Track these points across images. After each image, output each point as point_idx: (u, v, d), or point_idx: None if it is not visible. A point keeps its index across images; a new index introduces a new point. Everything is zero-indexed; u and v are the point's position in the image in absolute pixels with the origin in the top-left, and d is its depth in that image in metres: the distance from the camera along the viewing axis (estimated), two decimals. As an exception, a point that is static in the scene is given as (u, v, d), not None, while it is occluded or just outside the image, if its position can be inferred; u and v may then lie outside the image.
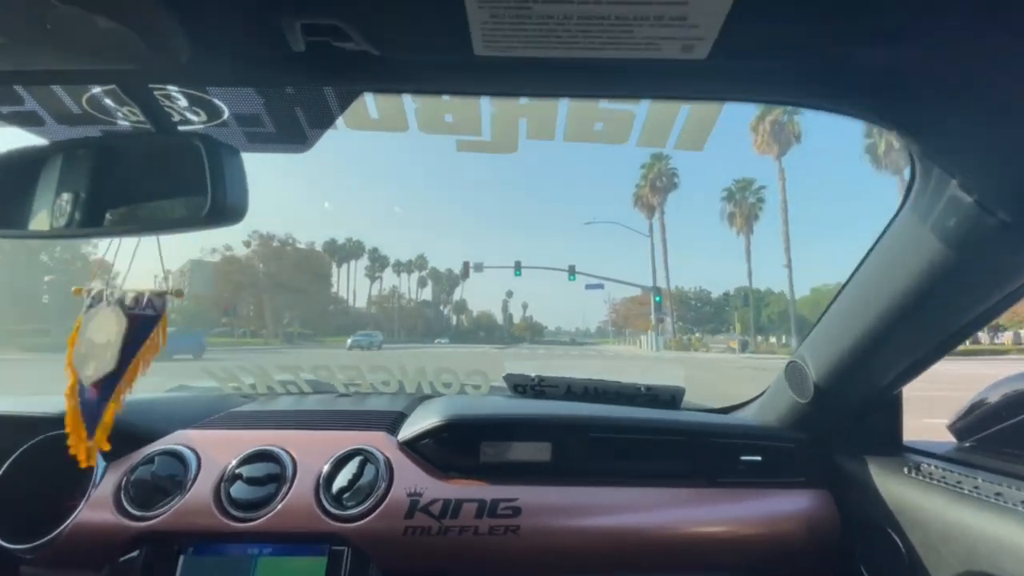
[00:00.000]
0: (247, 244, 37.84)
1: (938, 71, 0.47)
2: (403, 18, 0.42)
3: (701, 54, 0.42)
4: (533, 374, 1.31)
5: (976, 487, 0.77)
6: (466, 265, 29.82)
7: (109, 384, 0.74)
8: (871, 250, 0.80)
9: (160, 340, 0.76)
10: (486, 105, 0.63)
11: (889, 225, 0.75)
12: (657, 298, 32.27)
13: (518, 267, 26.86)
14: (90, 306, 0.76)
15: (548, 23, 0.39)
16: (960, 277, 0.68)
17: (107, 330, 0.74)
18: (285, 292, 38.31)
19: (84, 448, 0.77)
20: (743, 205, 33.63)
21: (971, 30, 0.42)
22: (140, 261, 0.76)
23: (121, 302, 0.75)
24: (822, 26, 0.42)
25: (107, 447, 0.79)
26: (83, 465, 0.78)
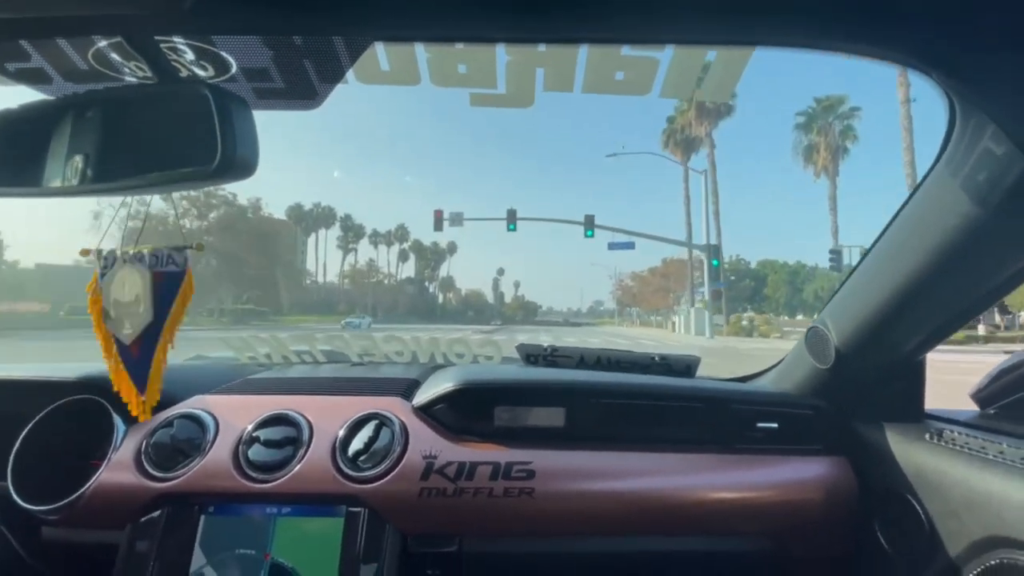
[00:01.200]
0: (188, 210, 32.35)
1: (981, 8, 0.44)
2: None
3: None
4: (546, 344, 1.31)
5: (1001, 452, 0.75)
6: (438, 217, 21.77)
7: (150, 340, 0.76)
8: (900, 209, 0.77)
9: (191, 293, 0.76)
10: (501, 54, 0.60)
11: (921, 183, 0.72)
12: (715, 261, 22.95)
13: (512, 220, 19.75)
14: (104, 268, 0.76)
15: None
16: (994, 233, 0.65)
17: (132, 287, 0.74)
18: (235, 265, 34.71)
19: (137, 403, 0.81)
20: (828, 134, 25.00)
21: None
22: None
23: (139, 259, 0.74)
24: None
25: (156, 399, 0.81)
26: (140, 419, 0.81)
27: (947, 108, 0.61)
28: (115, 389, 0.82)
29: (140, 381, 0.79)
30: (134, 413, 0.83)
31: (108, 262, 0.76)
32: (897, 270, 0.78)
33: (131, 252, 0.75)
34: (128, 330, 0.75)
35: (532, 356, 1.30)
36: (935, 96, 0.59)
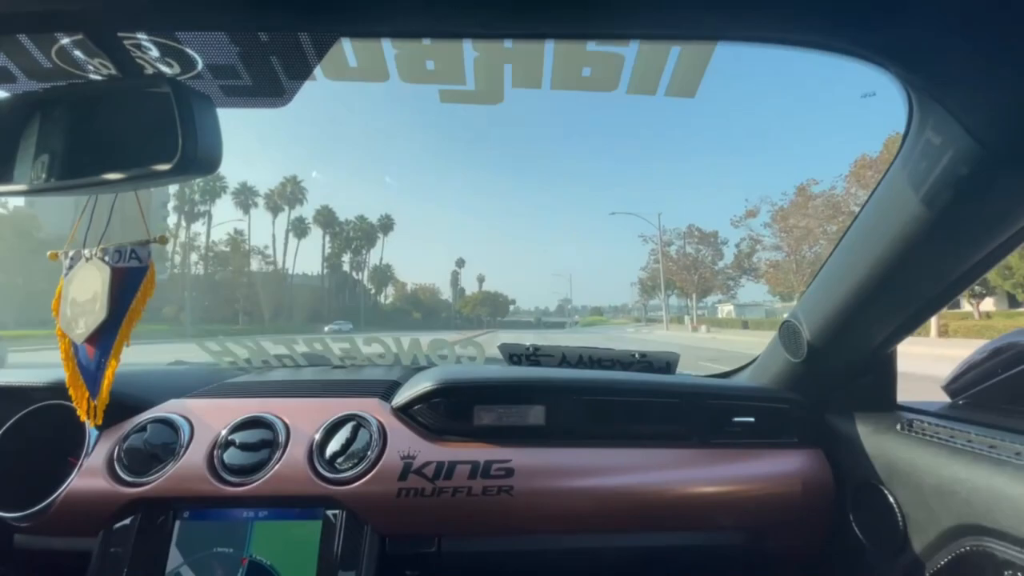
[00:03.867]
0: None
1: (941, 8, 0.45)
2: None
3: None
4: (528, 343, 1.31)
5: (969, 441, 0.77)
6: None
7: (106, 341, 0.74)
8: (865, 204, 0.79)
9: (151, 289, 0.75)
10: (469, 50, 0.61)
11: (884, 176, 0.73)
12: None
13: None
14: (69, 268, 0.75)
15: None
16: (954, 224, 0.67)
17: (90, 285, 0.72)
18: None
19: (88, 406, 0.78)
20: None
21: None
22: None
23: (101, 257, 0.73)
24: None
25: (106, 400, 0.79)
26: (90, 424, 0.78)
27: (905, 102, 0.63)
28: (69, 391, 0.79)
29: (93, 382, 0.76)
30: (83, 418, 0.80)
31: (73, 262, 0.75)
32: (862, 265, 0.80)
33: (95, 250, 0.73)
34: (80, 329, 0.73)
35: (515, 355, 1.30)
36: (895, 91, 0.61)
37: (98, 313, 0.72)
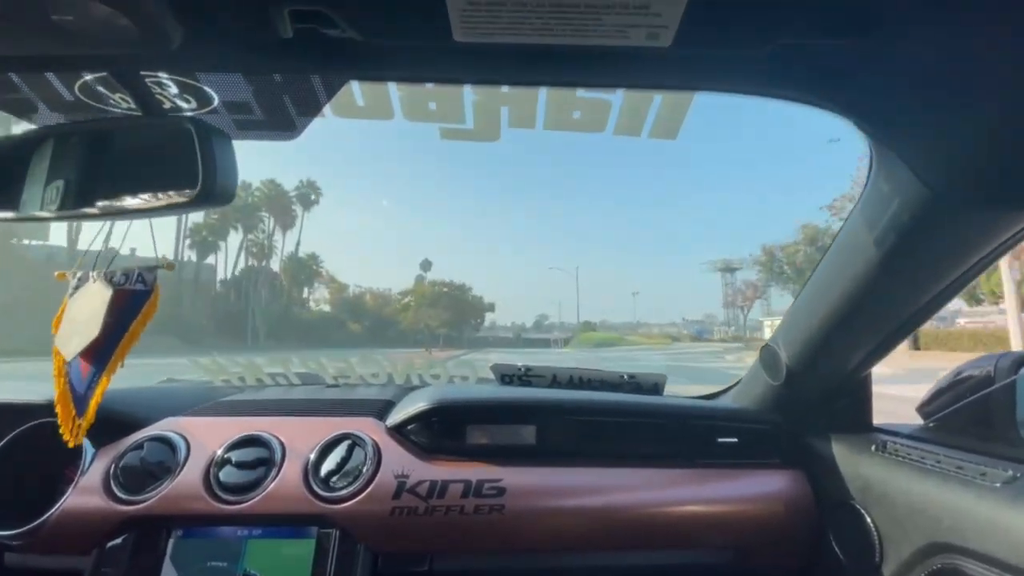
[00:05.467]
0: None
1: (893, 60, 0.51)
2: (386, 4, 0.44)
3: (665, 41, 0.45)
4: (520, 364, 1.35)
5: (939, 462, 0.81)
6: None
7: (100, 361, 0.75)
8: (836, 236, 0.84)
9: (152, 313, 0.77)
10: (468, 93, 0.66)
11: (851, 211, 0.79)
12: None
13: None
14: (76, 288, 0.77)
15: (522, 10, 0.42)
16: (916, 259, 0.72)
17: (91, 306, 0.74)
18: None
19: (72, 425, 0.78)
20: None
21: (923, 21, 0.45)
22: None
23: (108, 279, 0.76)
24: (778, 16, 0.45)
25: (92, 420, 0.79)
26: (70, 444, 0.79)
27: (868, 145, 0.68)
28: (56, 408, 0.79)
29: (81, 401, 0.77)
30: (66, 437, 0.80)
31: (80, 283, 0.77)
32: (834, 296, 0.85)
33: (103, 272, 0.76)
34: (73, 346, 0.74)
35: (507, 376, 1.33)
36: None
37: (91, 332, 0.73)
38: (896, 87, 0.54)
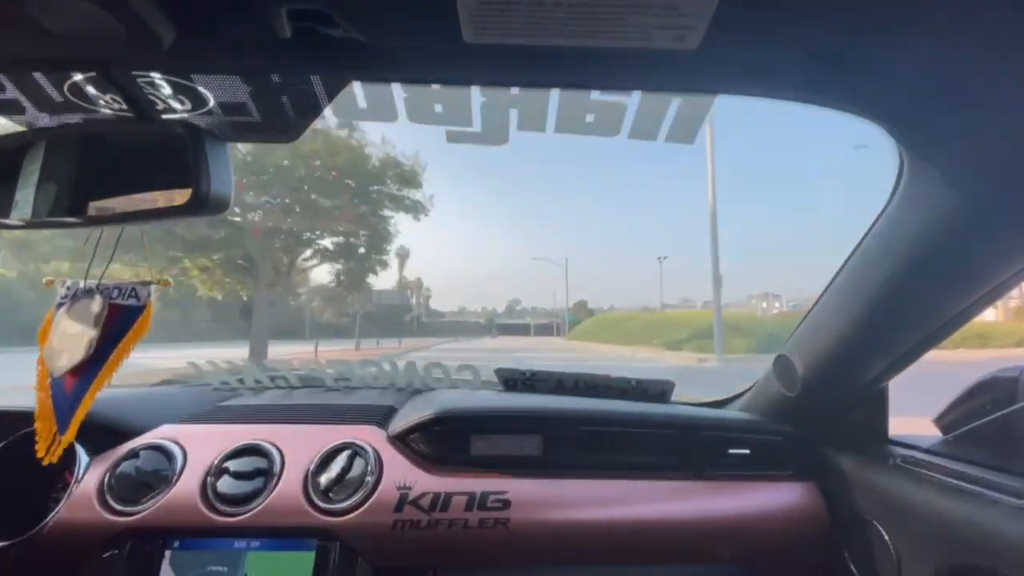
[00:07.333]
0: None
1: (927, 65, 0.48)
2: (390, 4, 0.41)
3: (693, 44, 0.42)
4: (524, 368, 1.32)
5: (962, 479, 0.78)
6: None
7: (88, 376, 0.72)
8: (858, 245, 0.81)
9: (144, 331, 0.74)
10: (476, 95, 0.62)
11: (877, 220, 0.76)
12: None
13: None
14: (64, 298, 0.74)
15: (538, 10, 0.39)
16: (946, 272, 0.69)
17: (84, 320, 0.72)
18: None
19: (51, 441, 0.75)
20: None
21: (958, 24, 0.42)
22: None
23: (101, 292, 0.73)
24: (812, 20, 0.42)
25: (72, 438, 0.76)
26: (44, 461, 0.75)
27: (897, 153, 0.65)
28: (35, 423, 0.76)
29: (64, 417, 0.74)
30: (40, 454, 0.76)
31: (70, 292, 0.74)
32: (855, 303, 0.81)
33: (95, 284, 0.73)
34: (63, 363, 0.71)
35: (511, 380, 1.31)
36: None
37: (80, 351, 0.70)
38: (933, 93, 0.51)
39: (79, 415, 0.74)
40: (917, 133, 0.56)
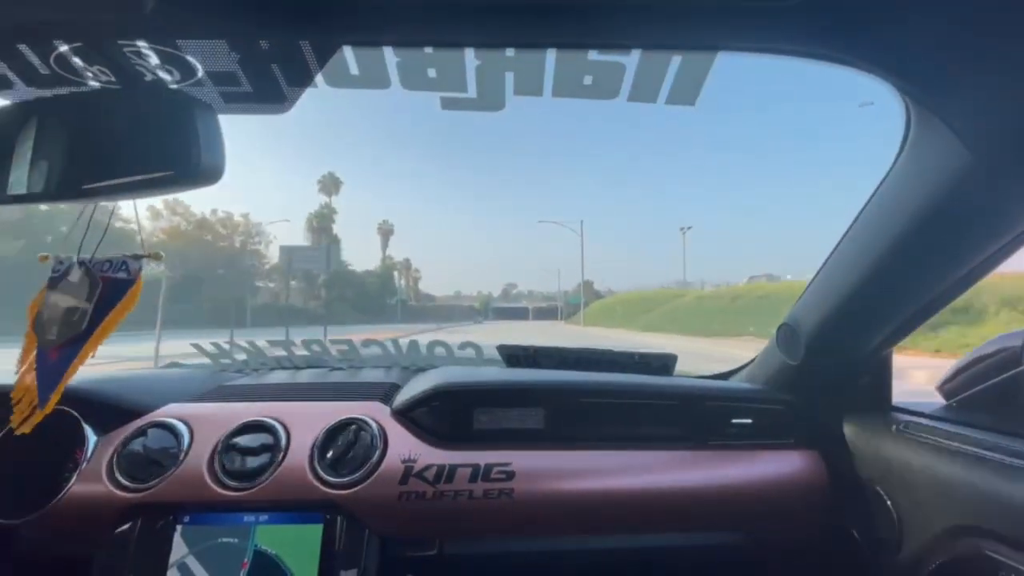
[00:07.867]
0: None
1: (934, 12, 0.46)
2: None
3: None
4: (527, 344, 1.32)
5: (964, 443, 0.78)
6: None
7: (70, 352, 0.72)
8: (862, 210, 0.79)
9: (132, 304, 0.73)
10: (470, 59, 0.61)
11: (882, 182, 0.74)
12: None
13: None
14: (56, 272, 0.74)
15: None
16: (949, 231, 0.68)
17: (76, 294, 0.71)
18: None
19: (30, 413, 0.75)
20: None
21: None
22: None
23: (92, 265, 0.72)
24: None
25: (50, 409, 0.76)
26: (16, 431, 0.75)
27: (903, 111, 0.63)
28: (13, 393, 0.76)
29: (46, 389, 0.73)
30: (14, 422, 0.76)
31: (62, 267, 0.74)
32: (859, 269, 0.80)
33: (87, 258, 0.73)
34: (52, 336, 0.71)
35: (514, 356, 1.31)
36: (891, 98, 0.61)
37: (75, 325, 0.70)
38: (941, 43, 0.49)
39: (60, 386, 0.74)
40: (926, 85, 0.54)
